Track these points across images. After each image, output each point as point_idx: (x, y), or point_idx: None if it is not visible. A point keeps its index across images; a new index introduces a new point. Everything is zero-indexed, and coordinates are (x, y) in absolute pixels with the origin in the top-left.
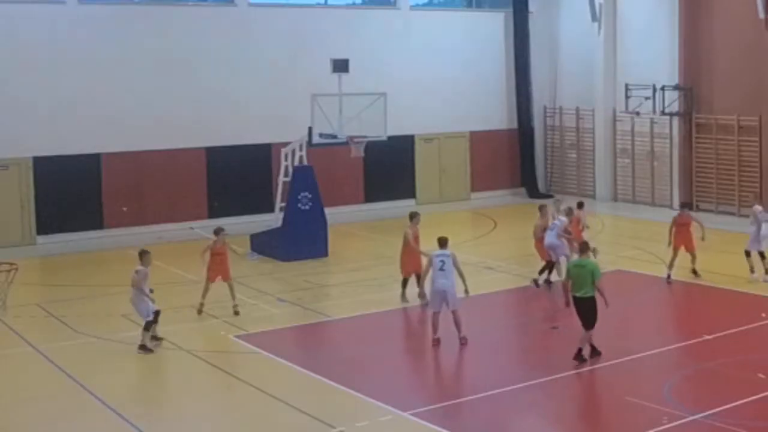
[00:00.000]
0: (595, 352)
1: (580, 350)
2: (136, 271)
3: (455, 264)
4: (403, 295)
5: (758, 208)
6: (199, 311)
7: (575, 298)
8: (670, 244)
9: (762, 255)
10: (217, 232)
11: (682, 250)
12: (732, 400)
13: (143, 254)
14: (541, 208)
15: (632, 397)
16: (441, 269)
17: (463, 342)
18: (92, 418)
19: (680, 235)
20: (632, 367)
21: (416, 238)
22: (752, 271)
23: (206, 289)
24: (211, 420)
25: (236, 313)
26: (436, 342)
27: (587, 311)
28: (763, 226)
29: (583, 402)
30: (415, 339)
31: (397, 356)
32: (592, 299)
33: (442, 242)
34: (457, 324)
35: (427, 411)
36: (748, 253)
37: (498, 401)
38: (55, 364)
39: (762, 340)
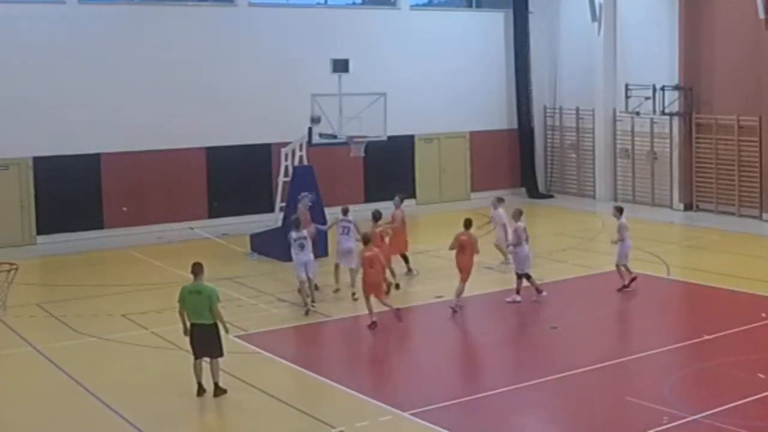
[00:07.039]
0: None
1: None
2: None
3: None
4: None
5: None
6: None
7: None
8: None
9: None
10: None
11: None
12: (732, 400)
13: None
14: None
15: (632, 397)
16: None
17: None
18: (92, 418)
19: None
20: (632, 367)
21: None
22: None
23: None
24: (211, 420)
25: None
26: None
27: None
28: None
29: (583, 402)
30: (415, 339)
31: (398, 356)
32: None
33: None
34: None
35: (427, 411)
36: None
37: (498, 401)
38: (55, 364)
39: (762, 340)
